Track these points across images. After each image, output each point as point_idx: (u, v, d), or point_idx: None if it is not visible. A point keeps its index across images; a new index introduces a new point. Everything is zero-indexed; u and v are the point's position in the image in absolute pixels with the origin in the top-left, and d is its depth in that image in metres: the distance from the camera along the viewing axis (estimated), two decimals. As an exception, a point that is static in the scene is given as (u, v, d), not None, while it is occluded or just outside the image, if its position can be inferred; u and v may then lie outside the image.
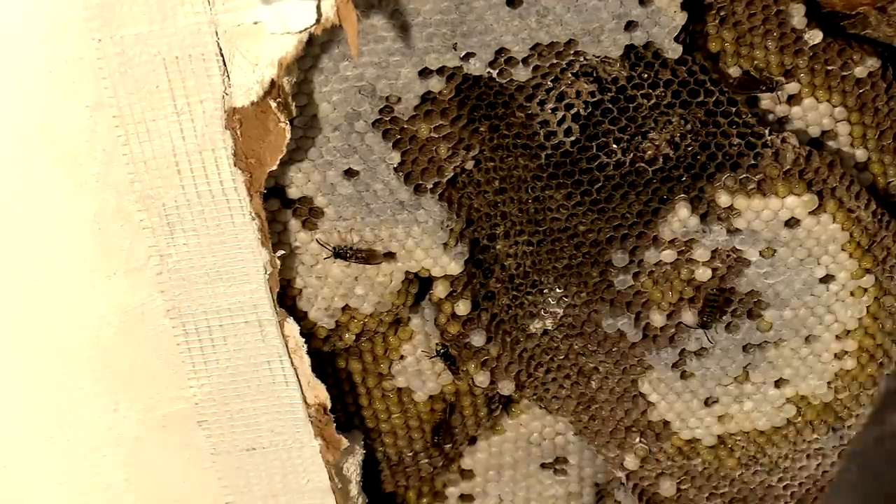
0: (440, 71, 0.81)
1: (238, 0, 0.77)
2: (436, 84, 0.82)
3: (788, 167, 0.85)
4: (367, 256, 0.86)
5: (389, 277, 0.88)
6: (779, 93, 0.85)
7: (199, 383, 0.89)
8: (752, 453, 0.95)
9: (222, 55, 0.78)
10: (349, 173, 0.85)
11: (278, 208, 0.86)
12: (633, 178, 0.86)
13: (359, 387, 0.93)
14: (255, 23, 0.77)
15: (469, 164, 0.86)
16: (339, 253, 0.86)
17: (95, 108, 0.80)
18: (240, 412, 0.90)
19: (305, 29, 0.77)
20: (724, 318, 0.89)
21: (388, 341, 0.92)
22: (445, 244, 0.87)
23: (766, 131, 0.85)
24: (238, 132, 0.80)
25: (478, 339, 0.90)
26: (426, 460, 0.96)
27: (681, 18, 0.81)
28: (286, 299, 0.88)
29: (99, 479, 0.92)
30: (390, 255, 0.88)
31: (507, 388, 0.93)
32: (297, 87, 0.80)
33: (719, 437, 0.94)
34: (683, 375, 0.91)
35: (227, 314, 0.86)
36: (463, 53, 0.81)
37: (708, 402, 0.92)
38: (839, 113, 0.87)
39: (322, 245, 0.86)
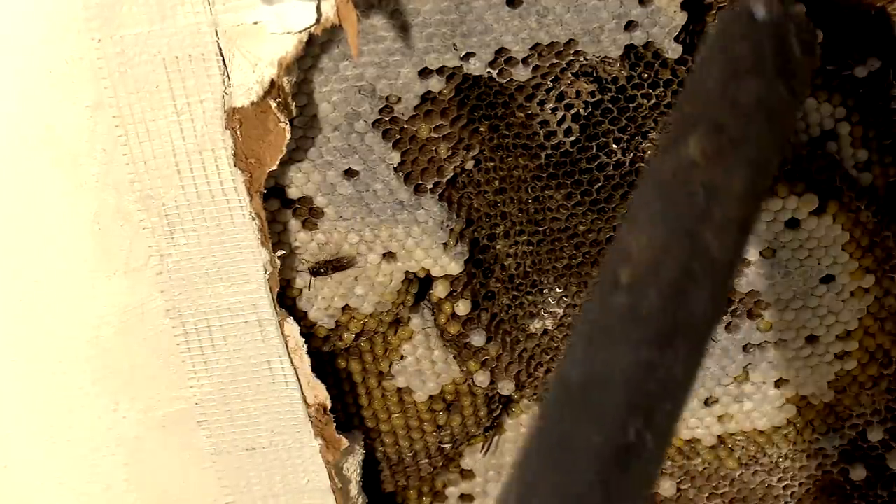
0: (440, 71, 0.81)
1: (238, 0, 0.77)
2: (436, 84, 0.82)
3: (788, 167, 0.85)
4: (340, 265, 0.87)
5: (389, 277, 0.88)
6: None
7: (199, 383, 0.89)
8: (752, 453, 0.95)
9: (222, 55, 0.78)
10: (349, 173, 0.85)
11: (278, 208, 0.86)
12: (633, 178, 0.86)
13: (359, 387, 0.93)
14: (255, 23, 0.77)
15: (469, 164, 0.86)
16: (315, 271, 0.86)
17: (95, 108, 0.80)
18: (240, 412, 0.90)
19: (305, 29, 0.77)
20: (723, 318, 0.89)
21: (388, 341, 0.92)
22: (445, 244, 0.87)
23: (766, 131, 0.85)
24: (238, 132, 0.80)
25: (478, 339, 0.90)
26: (426, 460, 0.96)
27: (681, 18, 0.81)
28: (286, 299, 0.88)
29: (99, 479, 0.92)
30: (390, 255, 0.88)
31: (507, 388, 0.93)
32: (297, 87, 0.80)
33: (719, 437, 0.94)
34: (683, 375, 0.91)
35: (227, 314, 0.86)
36: (463, 53, 0.81)
37: (708, 402, 0.92)
38: (839, 113, 0.87)
39: (297, 271, 0.87)
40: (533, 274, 0.90)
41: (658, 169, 0.63)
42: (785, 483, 0.96)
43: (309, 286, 0.87)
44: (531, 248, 0.89)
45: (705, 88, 0.67)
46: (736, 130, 0.64)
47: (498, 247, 0.89)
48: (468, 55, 0.81)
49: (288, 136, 0.80)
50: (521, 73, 0.82)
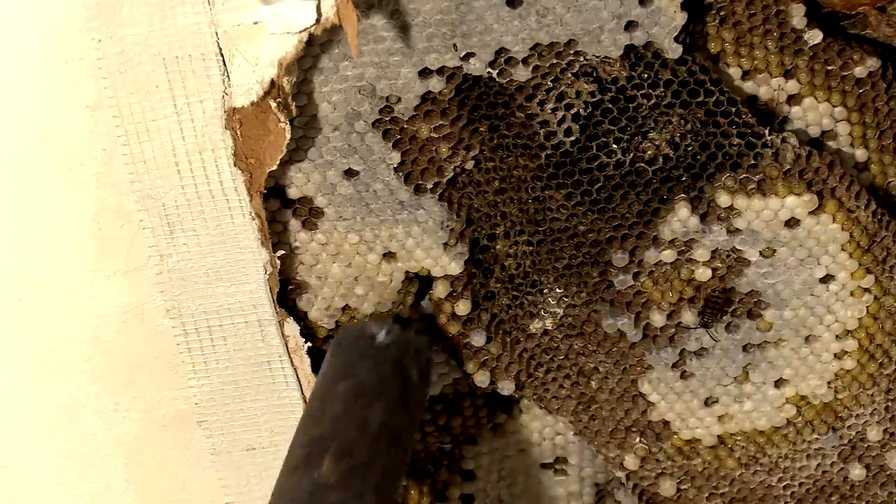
0: (440, 71, 0.81)
1: (238, 0, 0.77)
2: (436, 84, 0.82)
3: (788, 167, 0.85)
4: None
5: (389, 277, 0.88)
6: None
7: (199, 383, 0.89)
8: (752, 453, 0.95)
9: (222, 55, 0.78)
10: (349, 173, 0.85)
11: (278, 208, 0.86)
12: (633, 178, 0.86)
13: (359, 387, 0.93)
14: (255, 23, 0.77)
15: (469, 164, 0.86)
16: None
17: (95, 108, 0.80)
18: (240, 412, 0.90)
19: (305, 29, 0.77)
20: (724, 318, 0.89)
21: (388, 341, 0.92)
22: (445, 244, 0.87)
23: (766, 131, 0.85)
24: (238, 132, 0.80)
25: (478, 339, 0.90)
26: (426, 460, 0.96)
27: (681, 18, 0.81)
28: (286, 299, 0.88)
29: (99, 479, 0.93)
30: (390, 255, 0.88)
31: (507, 388, 0.93)
32: (297, 87, 0.80)
33: (719, 437, 0.94)
34: (683, 375, 0.91)
35: (227, 314, 0.86)
36: (463, 53, 0.81)
37: (708, 402, 0.92)
38: (839, 113, 0.87)
39: None
40: (533, 274, 0.90)
41: (295, 487, 0.66)
42: (785, 483, 0.96)
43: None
44: (531, 248, 0.89)
45: (333, 409, 0.72)
46: (363, 454, 0.68)
47: (498, 247, 0.89)
48: (468, 55, 0.81)
49: (288, 136, 0.80)
50: (521, 73, 0.82)
